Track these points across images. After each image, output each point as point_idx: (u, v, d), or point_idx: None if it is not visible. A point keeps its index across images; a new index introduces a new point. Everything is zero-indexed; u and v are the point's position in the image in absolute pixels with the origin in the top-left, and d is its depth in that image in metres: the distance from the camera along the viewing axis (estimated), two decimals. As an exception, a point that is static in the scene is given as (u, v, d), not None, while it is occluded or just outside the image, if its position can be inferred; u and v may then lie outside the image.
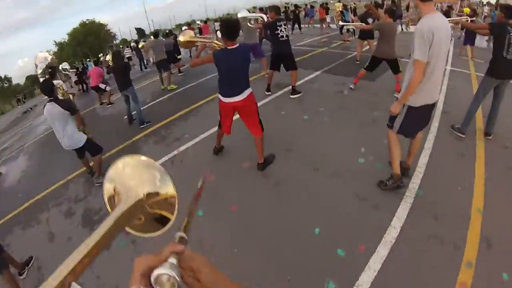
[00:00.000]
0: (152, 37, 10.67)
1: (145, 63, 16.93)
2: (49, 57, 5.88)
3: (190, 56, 14.73)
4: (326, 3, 19.02)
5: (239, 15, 6.31)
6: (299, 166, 4.10)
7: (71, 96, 6.77)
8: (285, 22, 5.95)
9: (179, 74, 11.71)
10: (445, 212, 3.12)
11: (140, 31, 67.42)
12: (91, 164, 4.66)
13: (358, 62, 8.86)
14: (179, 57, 11.94)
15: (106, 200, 0.65)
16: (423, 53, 2.61)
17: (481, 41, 10.90)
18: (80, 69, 15.97)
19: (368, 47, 9.33)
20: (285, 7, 22.08)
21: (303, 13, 22.47)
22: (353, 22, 10.81)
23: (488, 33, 4.06)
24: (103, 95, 10.14)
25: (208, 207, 3.45)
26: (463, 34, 10.35)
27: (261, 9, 14.64)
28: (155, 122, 6.64)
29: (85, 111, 9.49)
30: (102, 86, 10.13)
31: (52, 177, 5.37)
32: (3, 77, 58.63)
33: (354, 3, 20.01)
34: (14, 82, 60.95)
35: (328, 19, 17.81)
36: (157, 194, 0.64)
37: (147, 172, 0.65)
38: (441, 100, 5.75)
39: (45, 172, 5.88)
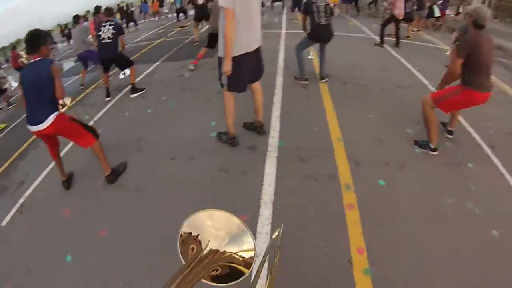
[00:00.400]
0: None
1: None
2: None
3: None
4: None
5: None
6: (155, 162, 3.72)
7: None
8: (111, 23, 5.45)
9: (9, 108, 9.13)
10: (310, 152, 3.26)
11: None
12: None
13: (196, 43, 9.11)
14: (4, 87, 9.37)
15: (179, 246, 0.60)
16: (227, 1, 2.73)
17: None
18: None
19: (208, 26, 9.52)
20: (119, 6, 21.33)
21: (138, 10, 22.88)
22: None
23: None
24: None
25: (74, 244, 2.80)
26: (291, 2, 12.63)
27: (96, 12, 12.95)
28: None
29: None
30: None
31: None
32: None
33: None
34: None
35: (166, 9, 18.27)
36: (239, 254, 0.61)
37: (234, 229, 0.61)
38: (282, 57, 6.40)
39: None
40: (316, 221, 2.52)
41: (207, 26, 9.33)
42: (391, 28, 8.41)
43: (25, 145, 5.55)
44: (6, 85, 11.16)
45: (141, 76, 7.06)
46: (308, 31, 4.99)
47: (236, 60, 2.94)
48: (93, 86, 7.11)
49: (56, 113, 2.97)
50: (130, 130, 4.71)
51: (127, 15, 18.21)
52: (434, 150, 3.56)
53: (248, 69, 3.12)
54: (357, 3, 15.10)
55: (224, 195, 2.93)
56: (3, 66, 17.85)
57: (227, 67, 2.95)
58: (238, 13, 2.78)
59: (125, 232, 2.82)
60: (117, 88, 6.56)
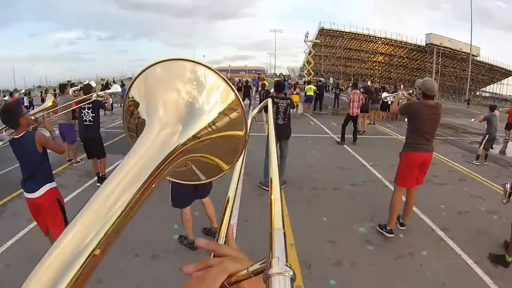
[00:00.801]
0: None
1: None
2: None
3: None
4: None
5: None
6: (120, 257, 3.60)
7: None
8: (89, 106, 5.57)
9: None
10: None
11: None
12: None
13: None
14: None
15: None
16: None
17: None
18: None
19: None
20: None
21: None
22: None
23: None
24: None
25: None
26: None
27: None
28: None
29: None
30: None
31: None
32: None
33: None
34: None
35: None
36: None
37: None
38: (240, 162, 6.38)
39: None
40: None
41: None
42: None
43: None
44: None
45: (111, 167, 7.03)
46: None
47: (174, 182, 3.30)
48: (64, 166, 6.90)
49: (49, 186, 3.04)
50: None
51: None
52: (390, 232, 3.91)
53: (188, 190, 3.45)
54: (321, 102, 16.89)
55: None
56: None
57: None
58: None
59: None
60: (89, 174, 6.45)
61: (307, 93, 16.33)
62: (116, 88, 7.88)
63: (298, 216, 4.27)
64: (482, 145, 7.89)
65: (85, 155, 6.26)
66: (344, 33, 62.48)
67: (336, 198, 5.05)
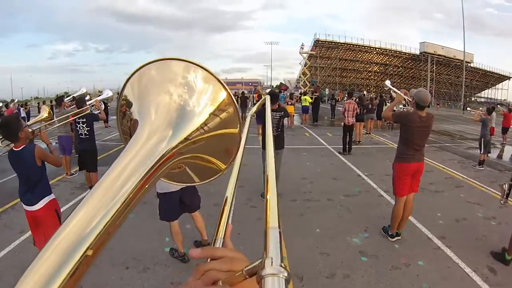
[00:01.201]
0: None
1: None
2: None
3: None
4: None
5: None
6: (110, 269, 3.53)
7: None
8: (83, 120, 5.64)
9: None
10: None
11: None
12: None
13: None
14: None
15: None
16: None
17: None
18: None
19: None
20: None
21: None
22: None
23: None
24: None
25: None
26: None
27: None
28: None
29: None
30: None
31: None
32: None
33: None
34: None
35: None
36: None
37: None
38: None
39: None
40: None
41: None
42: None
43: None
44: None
45: None
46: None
47: (161, 195, 3.42)
48: (58, 178, 6.81)
49: (48, 198, 3.09)
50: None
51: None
52: (392, 236, 3.99)
53: (175, 204, 3.46)
54: (317, 113, 16.89)
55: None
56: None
57: None
58: None
59: None
60: (82, 186, 6.36)
61: (303, 104, 16.43)
62: (107, 93, 7.84)
63: (290, 228, 4.18)
64: (483, 150, 7.88)
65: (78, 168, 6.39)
66: (339, 44, 63.34)
67: (329, 209, 4.97)
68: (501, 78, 63.72)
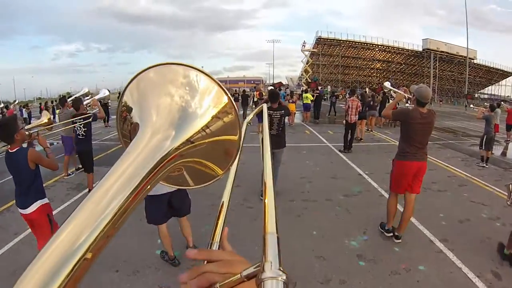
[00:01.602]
0: None
1: None
2: None
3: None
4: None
5: None
6: (100, 271, 3.48)
7: None
8: (81, 122, 5.67)
9: None
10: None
11: None
12: None
13: None
14: None
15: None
16: None
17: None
18: None
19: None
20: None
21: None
22: None
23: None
24: None
25: None
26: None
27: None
28: None
29: None
30: None
31: None
32: None
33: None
34: None
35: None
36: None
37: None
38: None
39: None
40: None
41: None
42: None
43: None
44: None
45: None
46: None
47: (148, 197, 3.23)
48: (54, 179, 6.72)
49: (40, 202, 3.07)
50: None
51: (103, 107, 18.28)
52: (388, 231, 3.94)
53: (163, 207, 3.33)
54: (318, 110, 16.76)
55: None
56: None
57: None
58: None
59: None
60: (78, 187, 6.27)
61: (304, 101, 16.19)
62: (104, 92, 7.73)
63: (286, 230, 4.01)
64: (483, 146, 7.72)
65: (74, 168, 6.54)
66: (341, 41, 63.01)
67: (328, 210, 4.78)
68: (504, 74, 63.02)
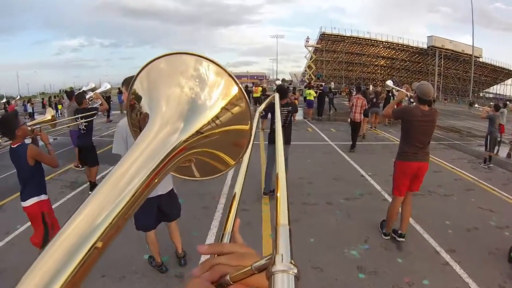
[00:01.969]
0: None
1: None
2: None
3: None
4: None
5: None
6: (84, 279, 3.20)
7: None
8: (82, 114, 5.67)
9: None
10: None
11: None
12: None
13: None
14: None
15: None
16: (120, 148, 2.75)
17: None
18: None
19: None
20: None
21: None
22: None
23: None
24: None
25: None
26: None
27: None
28: None
29: None
30: None
31: None
32: None
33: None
34: None
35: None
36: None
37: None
38: (230, 174, 5.94)
39: None
40: None
41: None
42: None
43: None
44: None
45: (99, 175, 6.63)
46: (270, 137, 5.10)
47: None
48: (50, 176, 6.46)
49: (36, 199, 3.10)
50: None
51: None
52: (386, 234, 3.86)
53: (152, 212, 3.16)
54: (322, 107, 16.57)
55: None
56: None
57: None
58: None
59: None
60: (72, 185, 6.11)
61: (307, 98, 15.85)
62: (105, 86, 7.66)
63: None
64: (488, 147, 7.54)
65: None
66: (345, 37, 62.32)
67: (327, 215, 4.52)
68: (510, 73, 62.03)
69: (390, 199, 4.94)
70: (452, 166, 7.32)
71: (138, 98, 0.46)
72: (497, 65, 61.56)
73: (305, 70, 61.92)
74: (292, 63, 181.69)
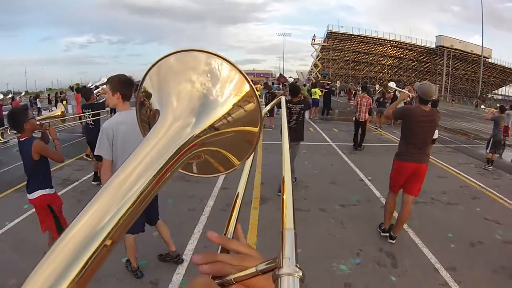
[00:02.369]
0: None
1: None
2: None
3: None
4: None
5: None
6: None
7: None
8: (89, 111, 5.67)
9: None
10: None
11: None
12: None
13: None
14: None
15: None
16: (103, 150, 2.63)
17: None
18: None
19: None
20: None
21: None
22: None
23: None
24: None
25: None
26: None
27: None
28: None
29: None
30: None
31: None
32: None
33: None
34: None
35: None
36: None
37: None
38: (222, 177, 5.64)
39: None
40: None
41: None
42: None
43: None
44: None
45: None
46: None
47: None
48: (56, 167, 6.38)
49: (41, 192, 3.10)
50: None
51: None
52: (384, 231, 3.80)
53: (142, 213, 2.85)
54: (328, 107, 16.38)
55: None
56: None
57: None
58: (120, 161, 2.58)
59: None
60: (64, 182, 5.96)
61: (313, 97, 15.43)
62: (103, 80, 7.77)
63: (267, 247, 3.42)
64: (489, 149, 7.40)
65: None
66: (352, 36, 61.54)
67: (319, 223, 4.17)
68: (520, 75, 60.86)
69: (388, 207, 4.61)
70: (458, 171, 6.91)
71: (148, 95, 0.46)
72: (507, 66, 60.31)
73: (312, 69, 61.24)
74: (299, 62, 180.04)
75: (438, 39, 58.56)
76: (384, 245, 3.61)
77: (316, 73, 55.57)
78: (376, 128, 12.31)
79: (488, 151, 7.47)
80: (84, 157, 7.31)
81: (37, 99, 21.03)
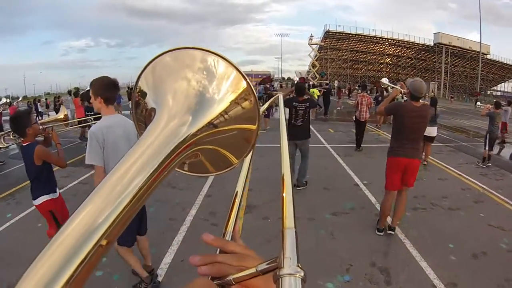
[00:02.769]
0: None
1: None
2: None
3: None
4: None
5: None
6: None
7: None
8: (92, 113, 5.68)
9: None
10: None
11: None
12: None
13: None
14: None
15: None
16: (95, 157, 2.49)
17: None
18: None
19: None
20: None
21: None
22: None
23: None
24: None
25: None
26: None
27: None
28: None
29: None
30: None
31: None
32: None
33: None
34: None
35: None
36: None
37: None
38: (208, 183, 5.49)
39: None
40: None
41: None
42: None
43: None
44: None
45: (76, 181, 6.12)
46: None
47: None
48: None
49: (44, 198, 3.05)
50: None
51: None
52: (380, 230, 3.83)
53: (135, 224, 2.87)
54: (327, 107, 16.18)
55: None
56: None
57: None
58: (111, 164, 2.47)
59: None
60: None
61: (311, 97, 15.20)
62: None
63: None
64: (487, 146, 7.21)
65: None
66: (350, 35, 61.23)
67: (308, 234, 3.80)
68: (519, 71, 60.51)
69: (383, 215, 4.27)
70: (459, 173, 6.55)
71: (143, 94, 0.45)
72: (505, 62, 59.96)
73: (310, 69, 60.85)
74: (297, 62, 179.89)
75: (436, 36, 58.21)
76: (377, 259, 3.25)
77: (314, 73, 55.17)
78: (376, 126, 12.01)
79: (486, 148, 7.25)
80: None
81: (38, 103, 21.07)
